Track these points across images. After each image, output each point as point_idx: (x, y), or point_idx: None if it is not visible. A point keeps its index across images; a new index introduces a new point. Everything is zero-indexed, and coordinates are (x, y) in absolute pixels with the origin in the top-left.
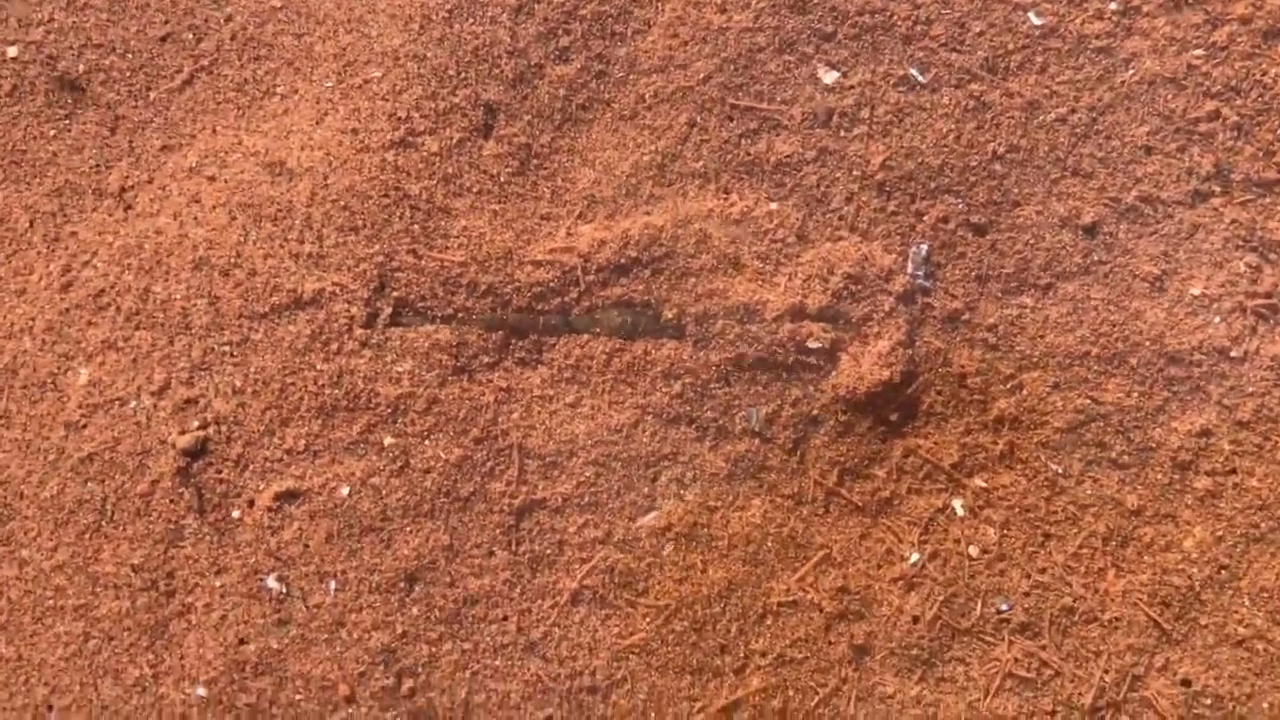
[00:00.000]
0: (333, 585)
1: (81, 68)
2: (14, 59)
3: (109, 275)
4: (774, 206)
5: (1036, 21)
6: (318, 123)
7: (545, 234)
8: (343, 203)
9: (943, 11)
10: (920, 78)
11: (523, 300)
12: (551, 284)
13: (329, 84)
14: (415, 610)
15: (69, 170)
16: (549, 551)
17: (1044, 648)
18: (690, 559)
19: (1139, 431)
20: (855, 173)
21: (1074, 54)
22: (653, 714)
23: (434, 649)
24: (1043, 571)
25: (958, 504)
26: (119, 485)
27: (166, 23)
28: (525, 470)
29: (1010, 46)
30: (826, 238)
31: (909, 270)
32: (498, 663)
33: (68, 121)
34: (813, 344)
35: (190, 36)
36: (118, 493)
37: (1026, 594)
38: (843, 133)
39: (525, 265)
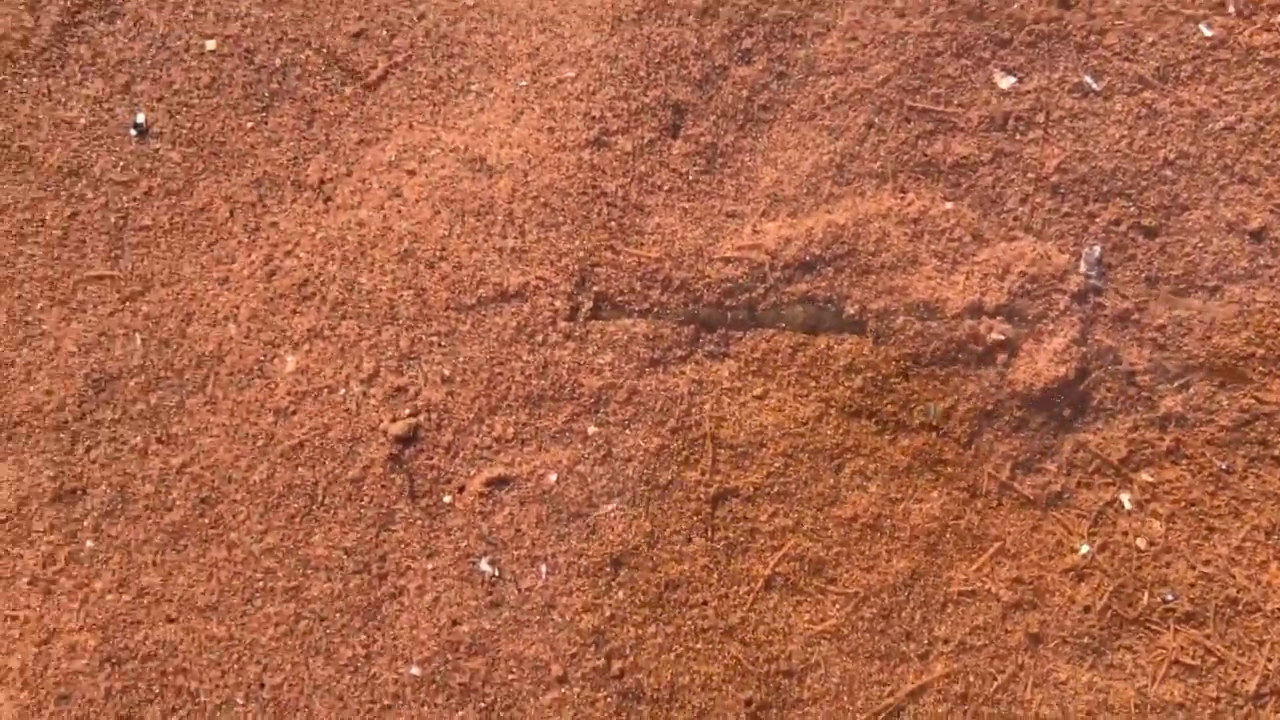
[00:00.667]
0: (543, 569)
1: (278, 62)
2: (213, 52)
3: (312, 265)
4: (950, 206)
5: (1207, 33)
6: (514, 121)
7: (732, 231)
8: (543, 199)
9: (1116, 22)
10: (1094, 85)
11: (713, 295)
12: (740, 280)
13: (523, 83)
14: (621, 594)
15: (267, 162)
16: (742, 539)
17: (1209, 636)
18: (875, 549)
19: None
20: (1030, 175)
21: (1243, 64)
22: (845, 697)
23: (640, 631)
24: (1207, 563)
25: (1125, 498)
26: (330, 471)
27: (360, 18)
28: (718, 460)
29: (1181, 56)
30: (1002, 237)
31: (1082, 270)
32: (699, 645)
33: (265, 115)
34: (991, 338)
35: (384, 33)
36: (329, 478)
37: (1192, 585)
38: (1018, 136)
39: (715, 262)
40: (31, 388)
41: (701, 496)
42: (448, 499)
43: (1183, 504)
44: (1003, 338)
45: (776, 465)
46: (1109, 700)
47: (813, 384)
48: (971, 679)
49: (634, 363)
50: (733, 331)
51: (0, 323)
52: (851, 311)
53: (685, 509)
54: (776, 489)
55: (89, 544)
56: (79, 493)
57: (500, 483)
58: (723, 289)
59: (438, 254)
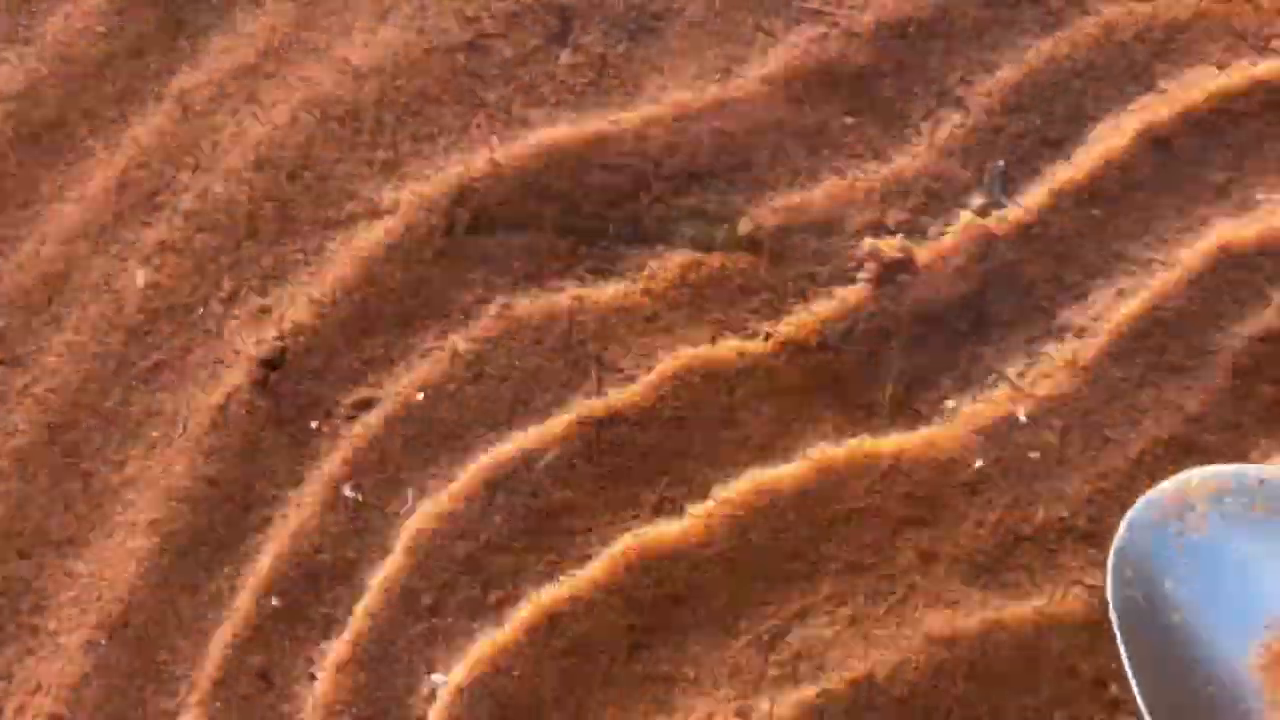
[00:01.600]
0: (410, 493)
1: None
2: None
3: (163, 174)
4: (850, 121)
5: None
6: (381, 19)
7: (615, 138)
8: (414, 107)
9: None
10: None
11: (593, 206)
12: (623, 189)
13: None
14: (498, 519)
15: (130, 76)
16: (631, 465)
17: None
18: (765, 471)
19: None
20: (934, 88)
21: None
22: (730, 619)
23: (518, 560)
24: (1104, 477)
25: (1021, 411)
26: (190, 396)
27: None
28: (604, 382)
29: None
30: (904, 153)
31: (984, 184)
32: (581, 572)
33: (120, 19)
34: (891, 256)
35: None
36: (190, 404)
37: (1089, 500)
38: (919, 44)
39: (595, 169)
40: None
41: (586, 419)
42: (314, 424)
43: (1079, 414)
44: (902, 255)
45: (667, 389)
46: (1004, 619)
47: (706, 305)
48: (861, 599)
49: (508, 277)
50: (616, 246)
51: None
52: (746, 230)
53: (569, 432)
54: (667, 413)
55: None
56: None
57: (366, 405)
58: (605, 199)
59: (299, 164)
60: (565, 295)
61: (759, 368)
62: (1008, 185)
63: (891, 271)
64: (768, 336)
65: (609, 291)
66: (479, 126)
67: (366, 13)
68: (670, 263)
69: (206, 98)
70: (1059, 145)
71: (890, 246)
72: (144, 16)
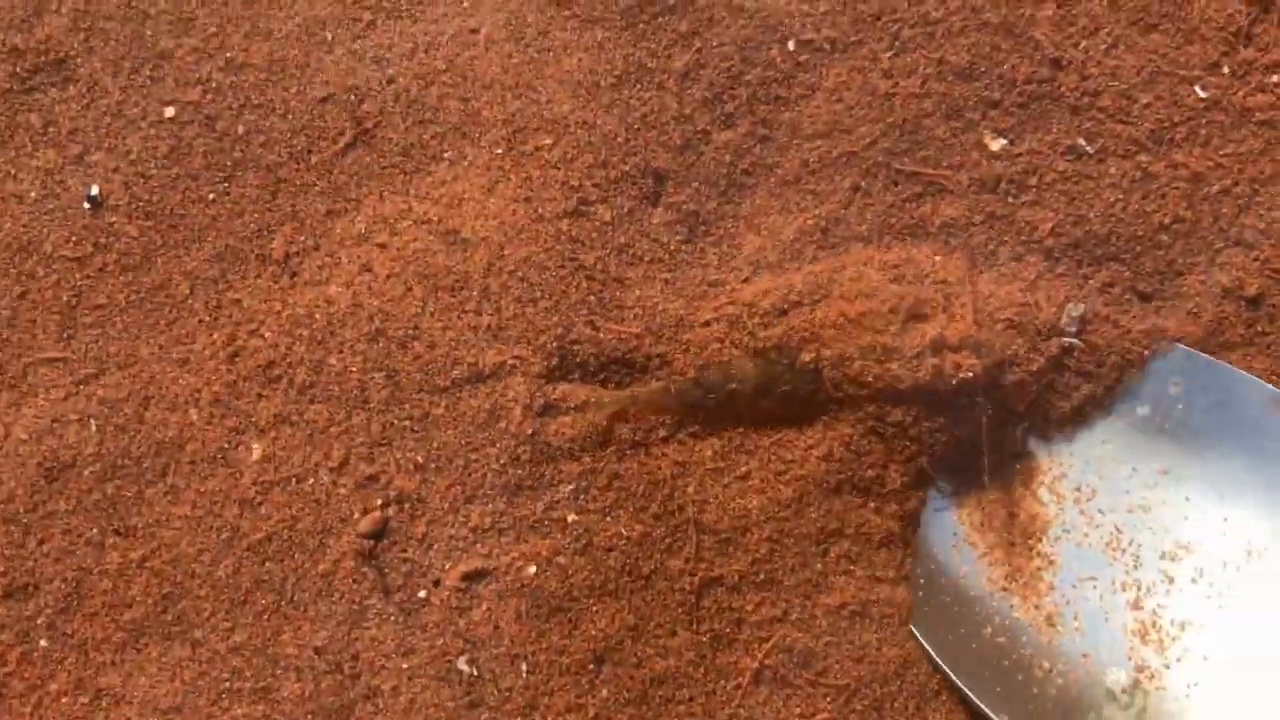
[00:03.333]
0: (524, 667)
1: (241, 129)
2: (171, 119)
3: (278, 346)
4: (939, 259)
5: (1202, 94)
6: (489, 191)
7: (713, 297)
8: (520, 273)
9: (1110, 83)
10: (1088, 147)
11: (691, 367)
12: (716, 338)
13: (499, 150)
14: (605, 692)
15: (230, 235)
16: (728, 630)
17: None
18: (864, 637)
19: None
20: (1023, 237)
21: (1237, 126)
22: None
23: None
24: None
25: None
26: (299, 565)
27: (326, 83)
28: (702, 546)
29: (1176, 119)
30: (990, 282)
31: (1063, 323)
32: None
33: (227, 185)
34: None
35: (351, 98)
36: (298, 572)
37: None
38: (1010, 199)
39: (694, 328)
40: None
41: (686, 587)
42: (423, 594)
43: None
44: (971, 374)
45: (762, 552)
46: None
47: (788, 460)
48: None
49: (613, 446)
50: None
51: None
52: (807, 358)
53: (669, 600)
54: (762, 576)
55: (42, 643)
56: (31, 589)
57: (478, 576)
58: (702, 354)
59: (410, 333)
60: (667, 460)
61: (847, 525)
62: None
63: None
64: (853, 486)
65: (708, 453)
66: (578, 288)
67: (477, 185)
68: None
69: (317, 266)
70: (1148, 298)
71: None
72: (246, 179)
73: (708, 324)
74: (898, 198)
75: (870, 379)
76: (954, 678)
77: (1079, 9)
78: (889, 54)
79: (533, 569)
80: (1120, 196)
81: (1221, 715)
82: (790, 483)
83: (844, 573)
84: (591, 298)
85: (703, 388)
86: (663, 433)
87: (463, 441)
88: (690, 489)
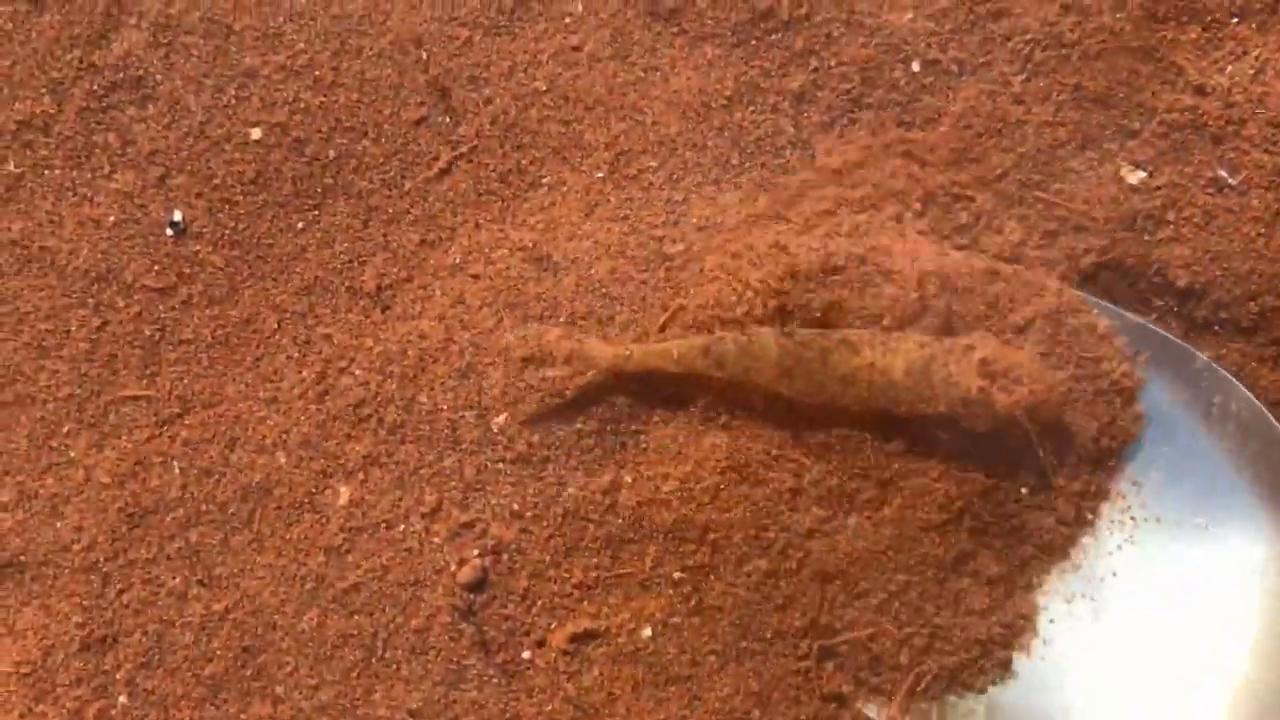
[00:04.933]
0: None
1: (331, 153)
2: (258, 141)
3: (369, 384)
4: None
5: None
6: (587, 214)
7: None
8: (604, 289)
9: (1257, 110)
10: (1230, 179)
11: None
12: None
13: (600, 174)
14: None
15: (319, 266)
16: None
17: None
18: None
19: None
20: (1158, 277)
21: None
22: None
23: None
24: None
25: None
26: (390, 619)
27: (421, 104)
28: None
29: None
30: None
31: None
32: None
33: (317, 212)
34: None
35: (447, 120)
36: (389, 627)
37: None
38: (1147, 235)
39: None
40: (59, 523)
41: (807, 649)
42: (526, 654)
43: None
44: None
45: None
46: None
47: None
48: None
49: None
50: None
51: (22, 448)
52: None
53: (785, 670)
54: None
55: (121, 699)
56: (110, 641)
57: (586, 637)
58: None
59: (501, 369)
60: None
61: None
62: None
63: None
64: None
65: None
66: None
67: (575, 209)
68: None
69: (409, 299)
70: None
71: None
72: (336, 206)
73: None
74: (1029, 233)
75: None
76: None
77: (1224, 32)
78: (1021, 78)
79: (648, 631)
80: (1263, 231)
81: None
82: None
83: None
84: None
85: (711, 358)
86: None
87: (559, 487)
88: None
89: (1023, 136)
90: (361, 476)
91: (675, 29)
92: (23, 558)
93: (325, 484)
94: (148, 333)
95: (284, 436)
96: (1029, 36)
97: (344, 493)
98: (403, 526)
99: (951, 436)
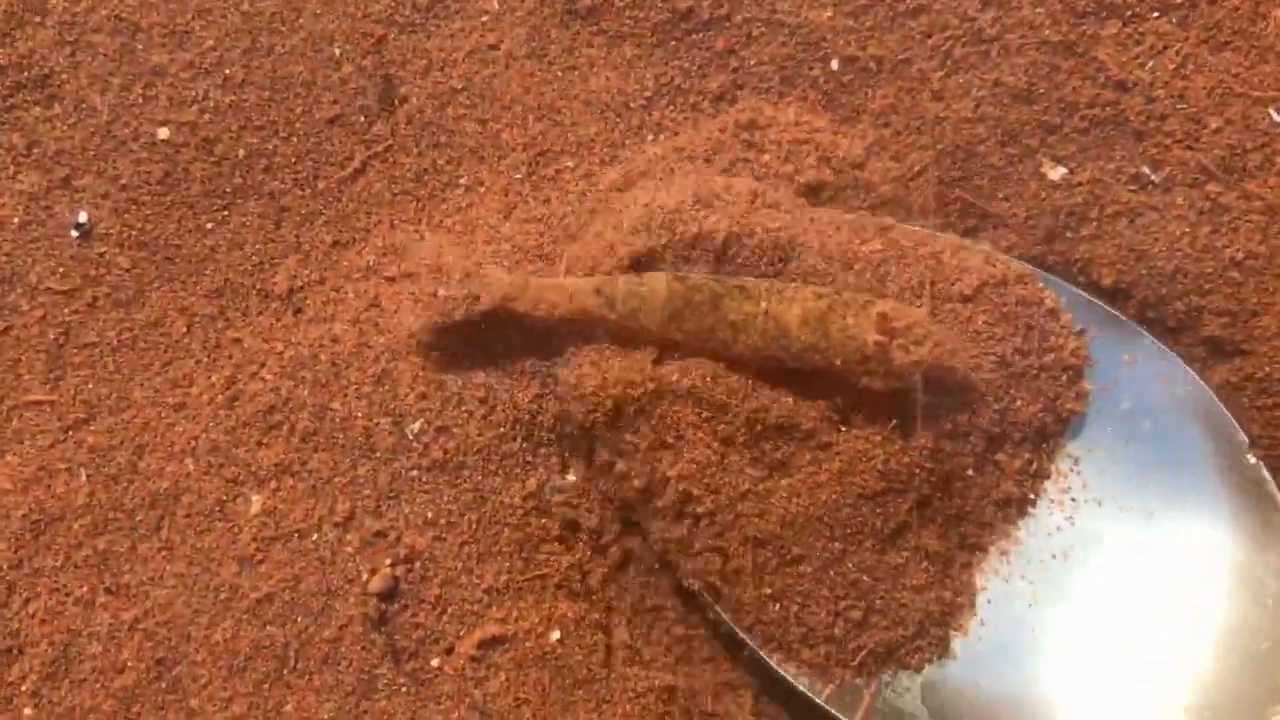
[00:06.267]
0: None
1: (241, 153)
2: (165, 141)
3: (280, 389)
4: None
5: (1277, 118)
6: (506, 215)
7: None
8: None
9: (1178, 106)
10: (1153, 176)
11: None
12: None
13: (518, 175)
14: None
15: (229, 269)
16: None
17: None
18: None
19: None
20: (1082, 276)
21: None
22: None
23: None
24: None
25: None
26: (302, 629)
27: (334, 103)
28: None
29: (1249, 145)
30: None
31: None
32: None
33: (227, 213)
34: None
35: (361, 119)
36: (301, 637)
37: None
38: (1069, 233)
39: None
40: None
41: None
42: (435, 662)
43: None
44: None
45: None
46: None
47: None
48: None
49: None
50: None
51: None
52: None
53: (719, 668)
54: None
55: (27, 711)
56: (15, 652)
57: (494, 642)
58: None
59: (416, 374)
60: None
61: None
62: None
63: None
64: None
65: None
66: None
67: (493, 210)
68: None
69: (322, 301)
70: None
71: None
72: (247, 207)
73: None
74: (950, 231)
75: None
76: None
77: (1145, 27)
78: (940, 74)
79: (556, 634)
80: (1188, 230)
81: None
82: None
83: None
84: None
85: (603, 297)
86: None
87: (475, 494)
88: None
89: (942, 133)
90: (274, 485)
91: (594, 28)
92: None
93: (236, 492)
94: (52, 336)
95: (193, 443)
96: (948, 33)
97: (256, 501)
98: (315, 536)
99: (897, 401)
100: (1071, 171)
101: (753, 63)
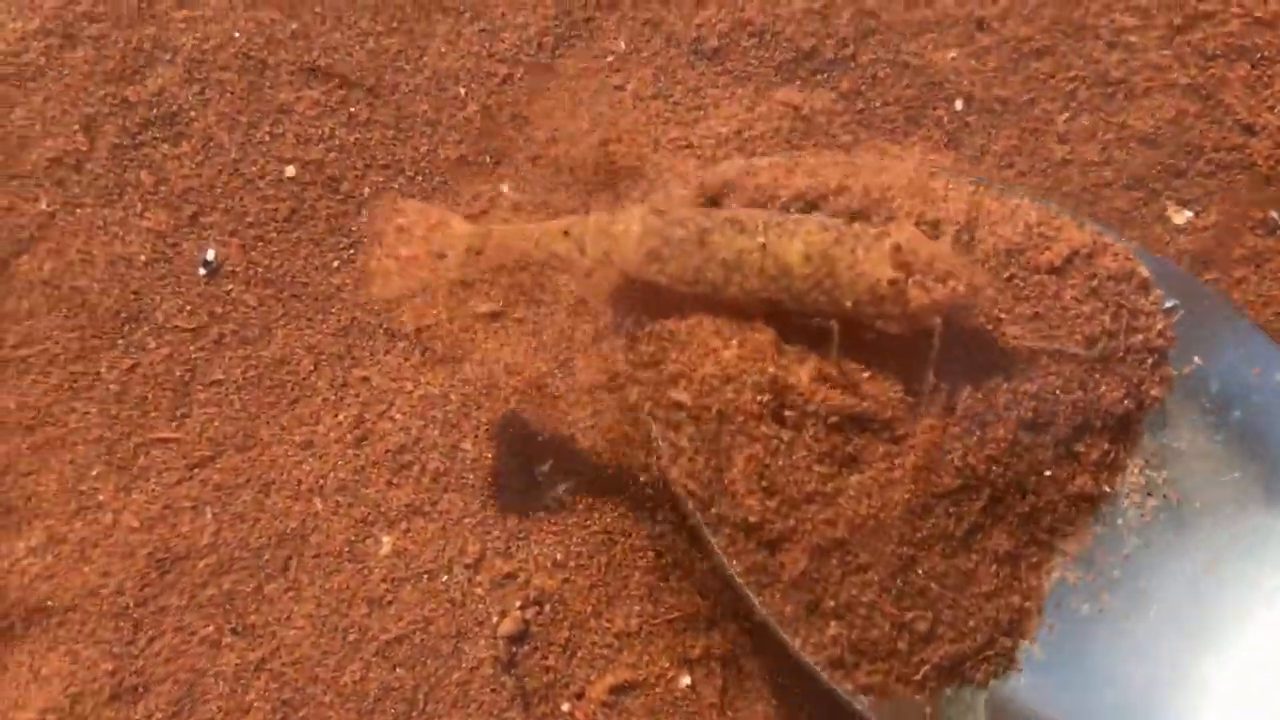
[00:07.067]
0: None
1: (366, 191)
2: (292, 179)
3: (410, 429)
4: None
5: None
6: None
7: None
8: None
9: None
10: None
11: None
12: None
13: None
14: None
15: (356, 306)
16: None
17: None
18: None
19: None
20: None
21: None
22: None
23: None
24: None
25: None
26: (432, 672)
27: (460, 142)
28: None
29: None
30: None
31: None
32: None
33: (353, 251)
34: None
35: (486, 159)
36: (431, 680)
37: None
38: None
39: None
40: (86, 568)
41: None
42: (566, 706)
43: None
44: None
45: None
46: None
47: None
48: None
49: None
50: None
51: (50, 491)
52: None
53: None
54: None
55: None
56: (140, 690)
57: (626, 688)
58: None
59: (546, 415)
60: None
61: None
62: None
63: None
64: None
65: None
66: None
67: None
68: None
69: (449, 342)
70: None
71: None
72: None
73: None
74: None
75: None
76: None
77: (1274, 70)
78: (1065, 116)
79: (686, 680)
80: None
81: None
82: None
83: None
84: None
85: (573, 238)
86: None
87: (604, 535)
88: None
89: (1066, 176)
90: (404, 525)
91: (719, 68)
92: (50, 603)
93: (366, 532)
94: (178, 374)
95: (321, 482)
96: (1073, 74)
97: (386, 542)
98: (445, 577)
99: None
100: (1197, 215)
101: (878, 103)
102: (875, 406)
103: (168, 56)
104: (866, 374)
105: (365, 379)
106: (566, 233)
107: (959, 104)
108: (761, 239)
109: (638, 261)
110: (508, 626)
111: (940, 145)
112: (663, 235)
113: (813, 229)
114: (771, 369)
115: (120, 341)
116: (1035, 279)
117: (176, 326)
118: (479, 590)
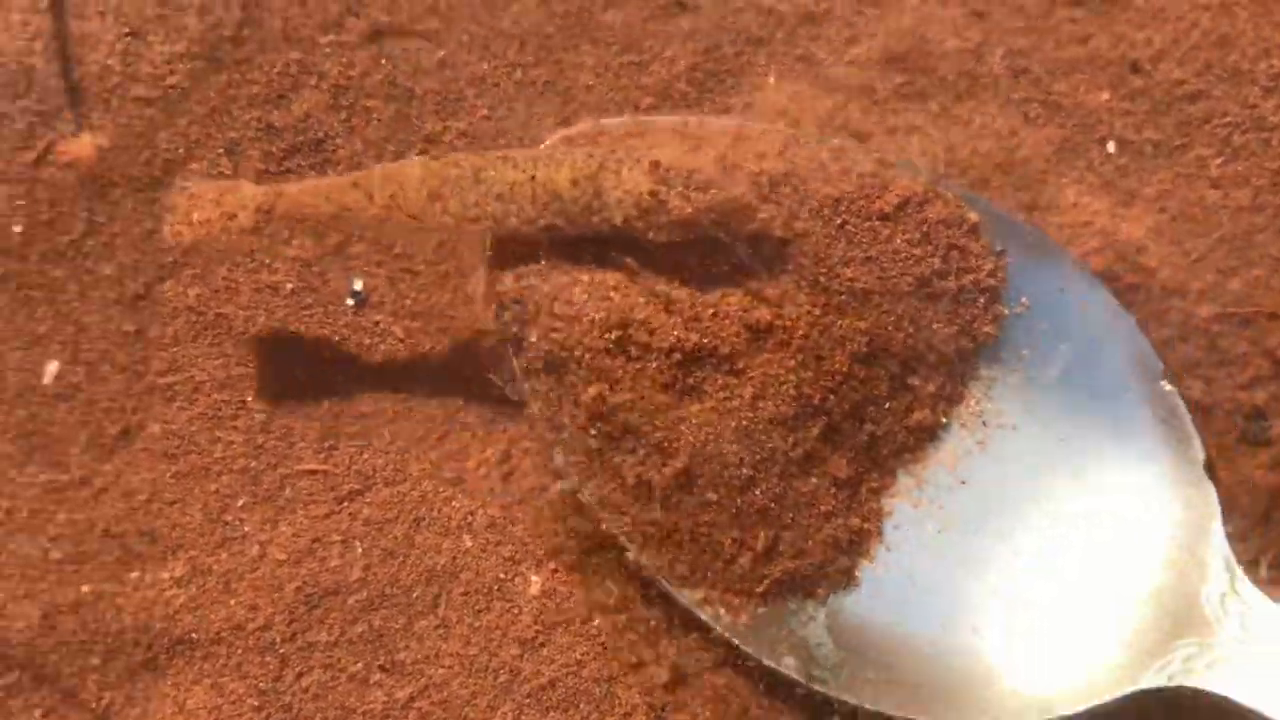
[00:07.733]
0: None
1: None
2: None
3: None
4: None
5: None
6: None
7: None
8: None
9: None
10: None
11: None
12: None
13: None
14: None
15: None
16: None
17: None
18: None
19: None
20: None
21: None
22: None
23: None
24: None
25: None
26: (585, 717)
27: None
28: None
29: None
30: None
31: None
32: None
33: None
34: None
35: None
36: None
37: None
38: None
39: None
40: (232, 601)
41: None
42: None
43: None
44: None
45: None
46: None
47: None
48: None
49: None
50: None
51: (195, 522)
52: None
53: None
54: None
55: None
56: None
57: None
58: None
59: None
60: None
61: None
62: None
63: None
64: None
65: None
66: None
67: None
68: None
69: None
70: None
71: None
72: None
73: None
74: (1225, 324)
75: None
76: None
77: None
78: (1219, 161)
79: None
80: None
81: None
82: None
83: None
84: None
85: (361, 189)
86: None
87: None
88: None
89: (1219, 221)
90: (552, 566)
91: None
92: (194, 635)
93: (515, 571)
94: (326, 405)
95: (470, 519)
96: (1228, 119)
97: (535, 582)
98: (598, 620)
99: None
100: None
101: (1030, 143)
102: (716, 341)
103: (313, 81)
104: (711, 311)
105: (511, 415)
106: (356, 184)
107: (1111, 146)
108: (531, 171)
109: (421, 203)
110: (663, 673)
111: (1095, 188)
112: (440, 175)
113: (579, 157)
114: (618, 305)
115: (266, 370)
116: (868, 225)
117: (323, 357)
118: (631, 636)
